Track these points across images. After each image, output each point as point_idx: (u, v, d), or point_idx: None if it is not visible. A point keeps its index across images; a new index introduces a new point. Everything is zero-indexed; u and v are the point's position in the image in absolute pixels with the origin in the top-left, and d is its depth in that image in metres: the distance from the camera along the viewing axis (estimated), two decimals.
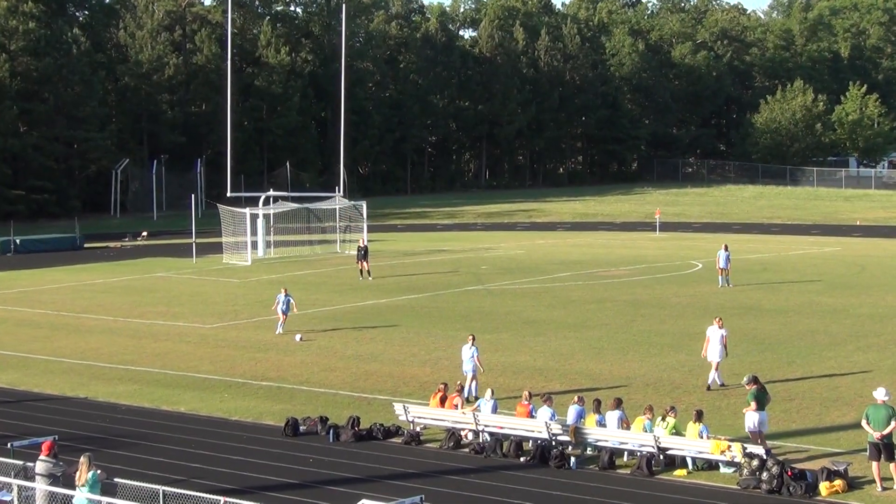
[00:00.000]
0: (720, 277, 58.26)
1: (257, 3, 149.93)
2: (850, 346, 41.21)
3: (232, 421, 31.93)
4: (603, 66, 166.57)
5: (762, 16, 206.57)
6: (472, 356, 34.20)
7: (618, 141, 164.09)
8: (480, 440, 29.07)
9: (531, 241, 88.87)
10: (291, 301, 45.92)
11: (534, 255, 76.11)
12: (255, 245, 76.07)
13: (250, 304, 54.31)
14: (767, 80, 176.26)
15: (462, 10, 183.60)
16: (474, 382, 34.21)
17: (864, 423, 25.27)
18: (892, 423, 24.85)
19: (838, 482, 24.69)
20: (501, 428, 28.99)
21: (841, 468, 25.12)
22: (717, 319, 35.80)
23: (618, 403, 28.40)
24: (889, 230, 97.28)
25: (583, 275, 64.18)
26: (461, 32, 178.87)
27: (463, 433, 29.59)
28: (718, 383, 34.54)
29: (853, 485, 24.93)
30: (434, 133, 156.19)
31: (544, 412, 28.69)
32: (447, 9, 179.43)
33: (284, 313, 45.56)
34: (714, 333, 35.00)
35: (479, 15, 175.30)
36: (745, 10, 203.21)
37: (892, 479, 24.73)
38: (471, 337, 35.01)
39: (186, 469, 26.91)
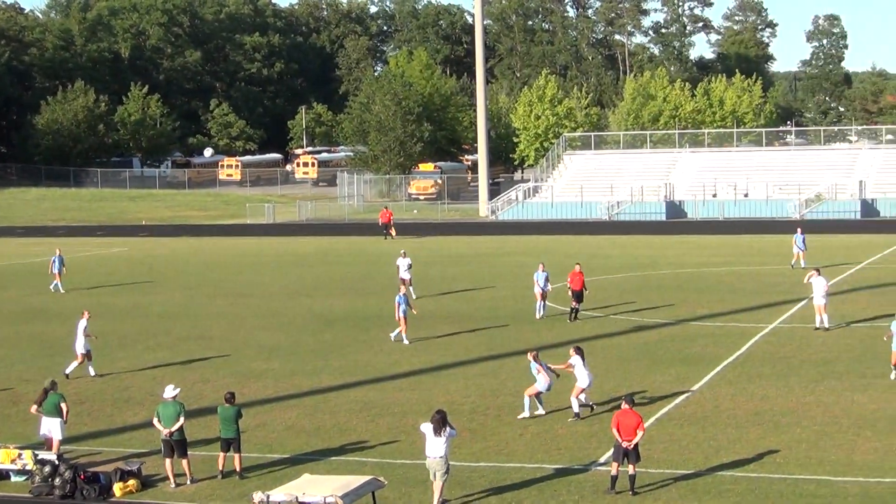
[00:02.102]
0: None
1: None
2: (140, 345, 41.38)
3: None
4: None
5: (40, 15, 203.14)
6: None
7: None
8: None
9: None
10: None
11: None
12: None
13: None
14: (48, 80, 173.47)
15: None
16: None
17: (155, 421, 25.31)
18: (181, 419, 25.08)
19: (132, 482, 24.56)
20: None
21: (134, 468, 24.99)
22: (84, 312, 36.75)
23: None
24: (173, 229, 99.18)
25: None
26: None
27: None
28: (91, 374, 35.45)
29: (147, 483, 24.88)
30: None
31: None
32: None
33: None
34: (80, 325, 35.92)
35: None
36: (22, 9, 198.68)
37: (185, 474, 24.94)
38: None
39: None
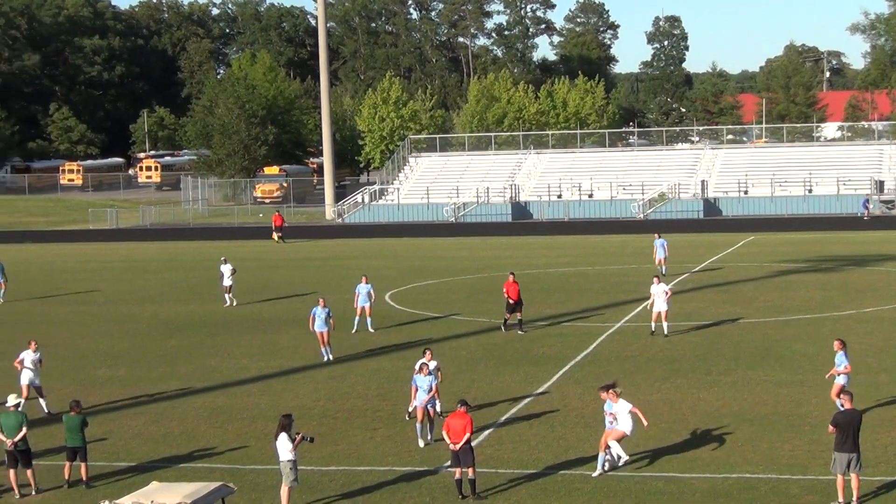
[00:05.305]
0: None
1: None
2: None
3: None
4: None
5: None
6: None
7: None
8: None
9: None
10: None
11: None
12: None
13: None
14: None
15: None
16: None
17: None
18: (24, 429, 24.55)
19: None
20: None
21: None
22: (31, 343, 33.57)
23: None
24: (14, 235, 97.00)
25: None
26: None
27: None
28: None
29: None
30: None
31: None
32: None
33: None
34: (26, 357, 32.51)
35: None
36: None
37: (30, 485, 24.41)
38: None
39: None
